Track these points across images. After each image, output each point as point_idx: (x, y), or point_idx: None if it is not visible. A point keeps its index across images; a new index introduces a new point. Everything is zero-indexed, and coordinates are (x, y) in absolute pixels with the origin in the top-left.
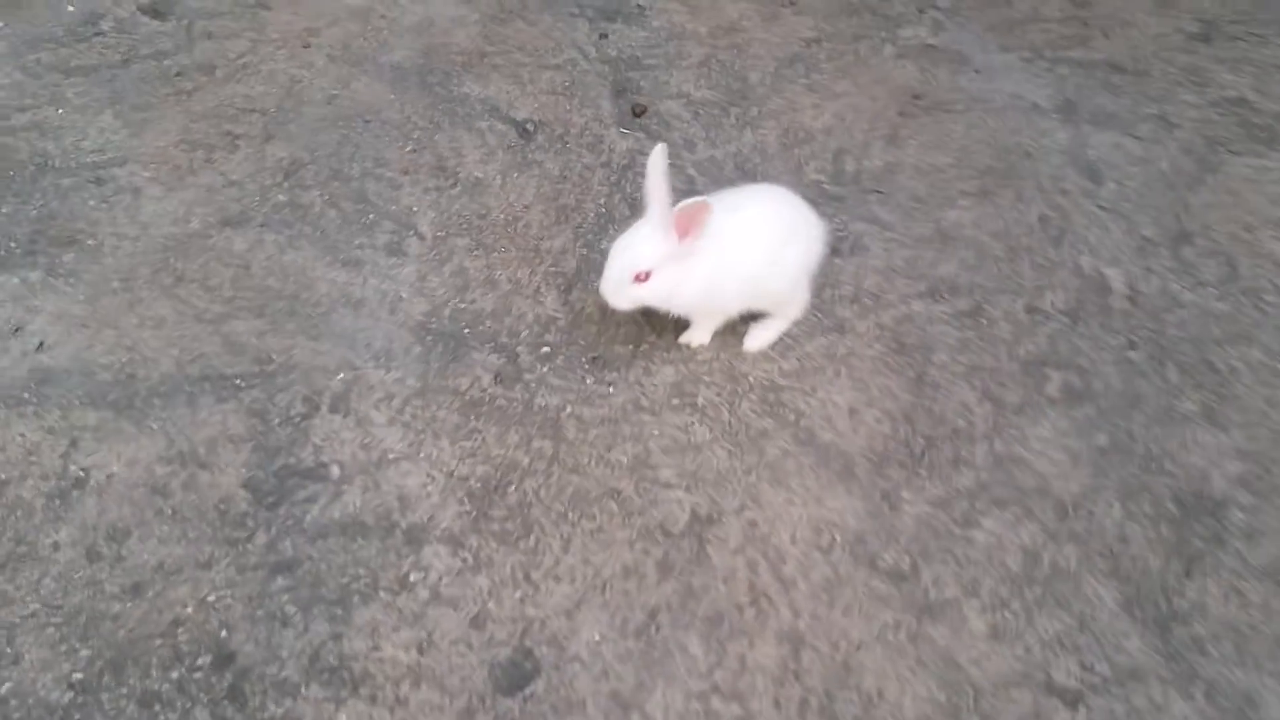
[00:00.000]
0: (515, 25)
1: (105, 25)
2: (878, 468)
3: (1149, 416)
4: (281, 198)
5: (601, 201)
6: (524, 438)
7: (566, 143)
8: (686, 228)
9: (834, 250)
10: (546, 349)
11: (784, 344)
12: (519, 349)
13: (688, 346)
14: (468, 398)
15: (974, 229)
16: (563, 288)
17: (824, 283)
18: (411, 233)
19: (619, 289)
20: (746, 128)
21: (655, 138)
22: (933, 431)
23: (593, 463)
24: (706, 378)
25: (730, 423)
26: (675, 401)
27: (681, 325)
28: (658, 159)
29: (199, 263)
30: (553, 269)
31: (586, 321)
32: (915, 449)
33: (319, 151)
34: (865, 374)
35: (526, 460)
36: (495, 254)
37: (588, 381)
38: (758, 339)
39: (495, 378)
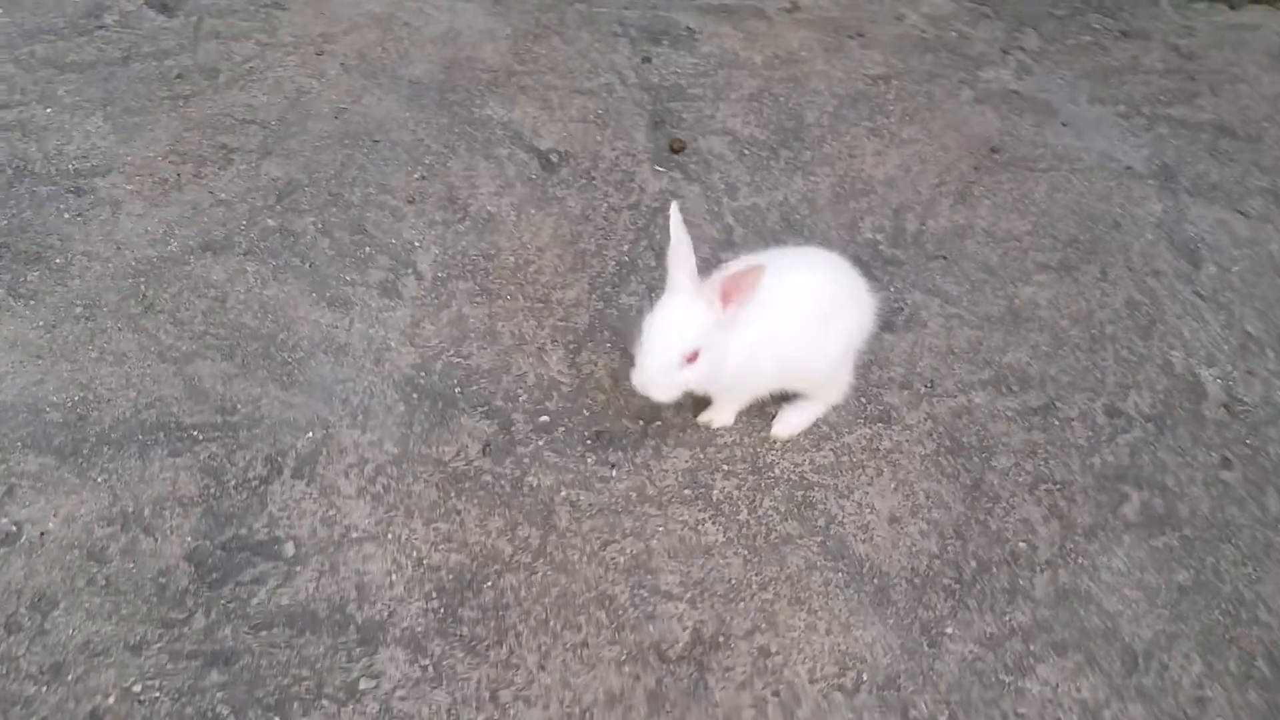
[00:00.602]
0: (550, 42)
1: (109, 19)
2: (919, 593)
3: (1241, 552)
4: (271, 222)
5: (625, 249)
6: (509, 523)
7: (593, 178)
8: (733, 294)
9: (885, 324)
10: (545, 418)
11: (818, 432)
12: (514, 416)
13: (707, 427)
14: (450, 470)
15: (1050, 310)
16: (571, 346)
17: (870, 361)
18: (409, 271)
19: (667, 377)
20: (797, 173)
21: (693, 179)
22: (987, 553)
23: (585, 560)
24: (726, 466)
25: (749, 523)
26: (687, 493)
27: (701, 402)
28: (677, 219)
29: (171, 291)
30: (562, 323)
31: (594, 389)
32: (965, 573)
33: (318, 173)
34: (912, 475)
35: (509, 551)
36: (500, 302)
37: (588, 461)
38: (789, 424)
39: (484, 448)
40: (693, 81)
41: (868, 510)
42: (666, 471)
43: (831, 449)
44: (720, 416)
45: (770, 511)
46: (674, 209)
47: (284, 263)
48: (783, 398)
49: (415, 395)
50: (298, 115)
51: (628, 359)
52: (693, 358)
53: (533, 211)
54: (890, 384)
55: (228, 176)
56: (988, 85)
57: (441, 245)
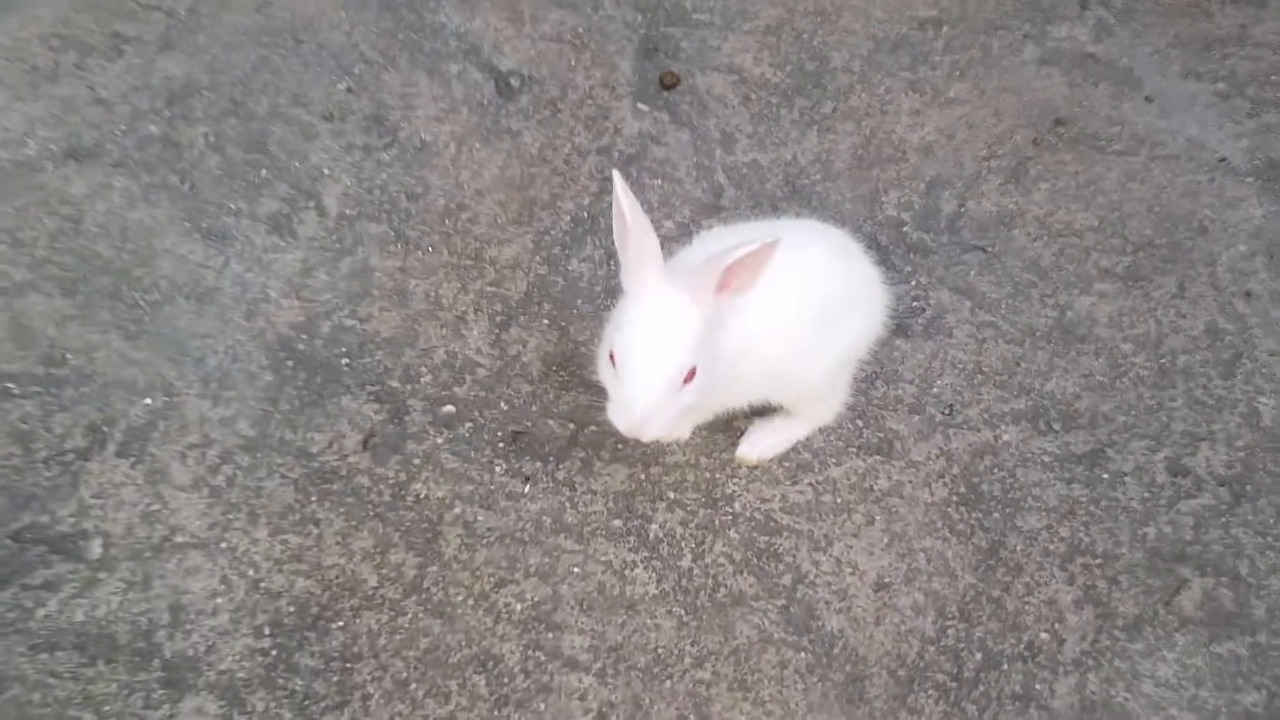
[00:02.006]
0: None
1: None
2: (903, 689)
3: None
4: (154, 130)
5: (586, 203)
6: (379, 544)
7: (559, 110)
8: (734, 281)
9: (899, 326)
10: (450, 408)
11: (797, 459)
12: (411, 402)
13: (655, 440)
14: (317, 465)
15: (1111, 329)
16: (498, 319)
17: (874, 373)
18: (311, 204)
19: (663, 410)
20: (812, 128)
21: (683, 123)
22: (997, 643)
23: (470, 604)
24: (672, 493)
25: (691, 573)
26: (617, 524)
27: None
28: (624, 192)
29: (17, 204)
30: (491, 288)
31: (518, 376)
32: (966, 667)
33: (223, 75)
34: (912, 529)
35: (373, 581)
36: (418, 254)
37: (496, 470)
38: (759, 445)
39: (365, 441)
40: (699, 4)
41: (848, 570)
42: (595, 494)
43: (811, 483)
44: (674, 428)
45: (721, 559)
46: (616, 179)
47: (159, 180)
48: (755, 411)
49: (290, 363)
50: (213, 4)
51: (592, 393)
52: (690, 375)
53: (477, 145)
54: (897, 406)
55: (114, 71)
56: (1058, 44)
57: (356, 176)
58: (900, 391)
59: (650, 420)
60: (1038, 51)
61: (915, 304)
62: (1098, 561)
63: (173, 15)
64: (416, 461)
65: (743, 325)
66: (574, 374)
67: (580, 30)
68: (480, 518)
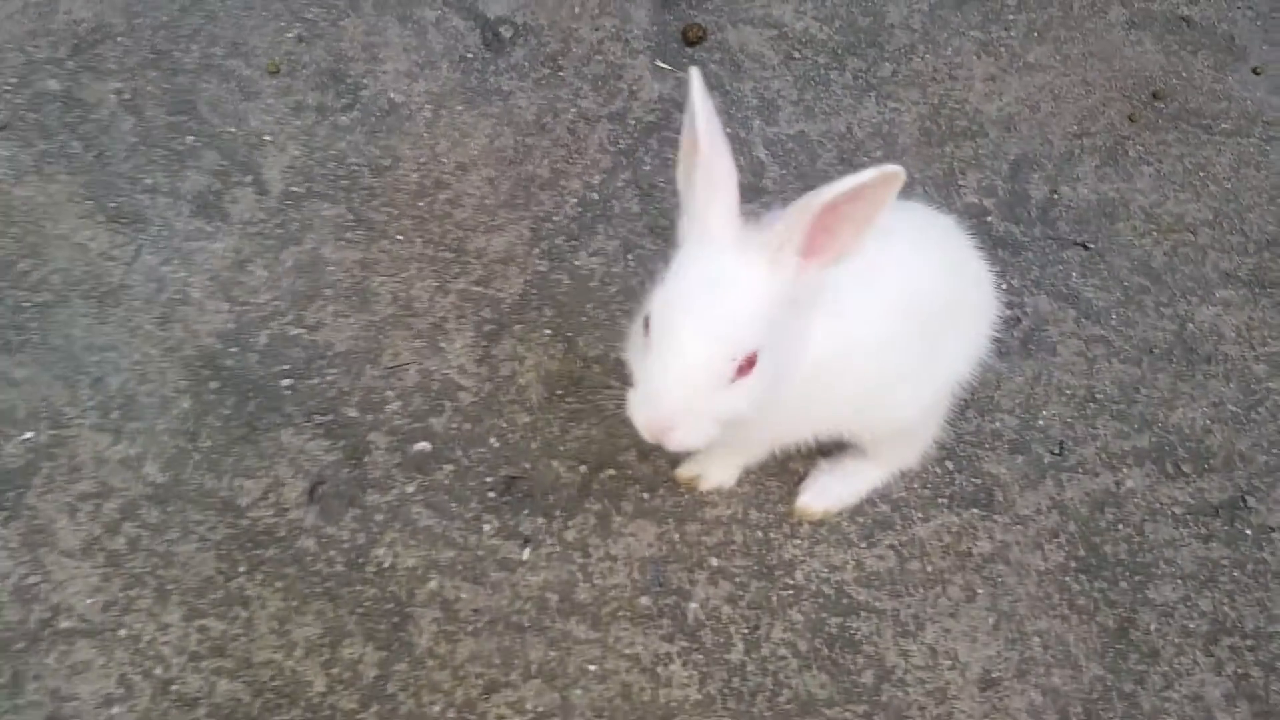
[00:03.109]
0: None
1: None
2: None
3: None
4: (54, 85)
5: (596, 181)
6: (330, 632)
7: (560, 68)
8: (829, 238)
9: (996, 347)
10: (424, 446)
11: (873, 512)
12: (373, 437)
13: (691, 488)
14: (246, 523)
15: (1240, 345)
16: (487, 328)
17: (965, 402)
18: (248, 179)
19: (705, 404)
20: (869, 94)
21: (713, 85)
22: None
23: (451, 716)
24: (716, 559)
25: (744, 668)
26: (645, 603)
27: None
28: (701, 94)
29: None
30: (478, 288)
31: (512, 404)
32: None
33: (143, 18)
34: (1023, 605)
35: (320, 685)
36: (383, 243)
37: (485, 529)
38: (826, 493)
39: (312, 490)
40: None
41: (946, 663)
42: (615, 561)
43: (893, 546)
44: (715, 471)
45: (782, 650)
46: (695, 78)
47: (57, 147)
48: (818, 450)
49: (214, 385)
50: None
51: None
52: (746, 366)
53: (460, 108)
54: (995, 443)
55: (7, 11)
56: (1148, 5)
57: (306, 143)
58: (998, 424)
59: (682, 418)
60: (1124, 13)
61: (1009, 312)
62: (1248, 642)
63: None
64: (379, 518)
65: (833, 324)
66: (585, 399)
67: None
68: (464, 595)
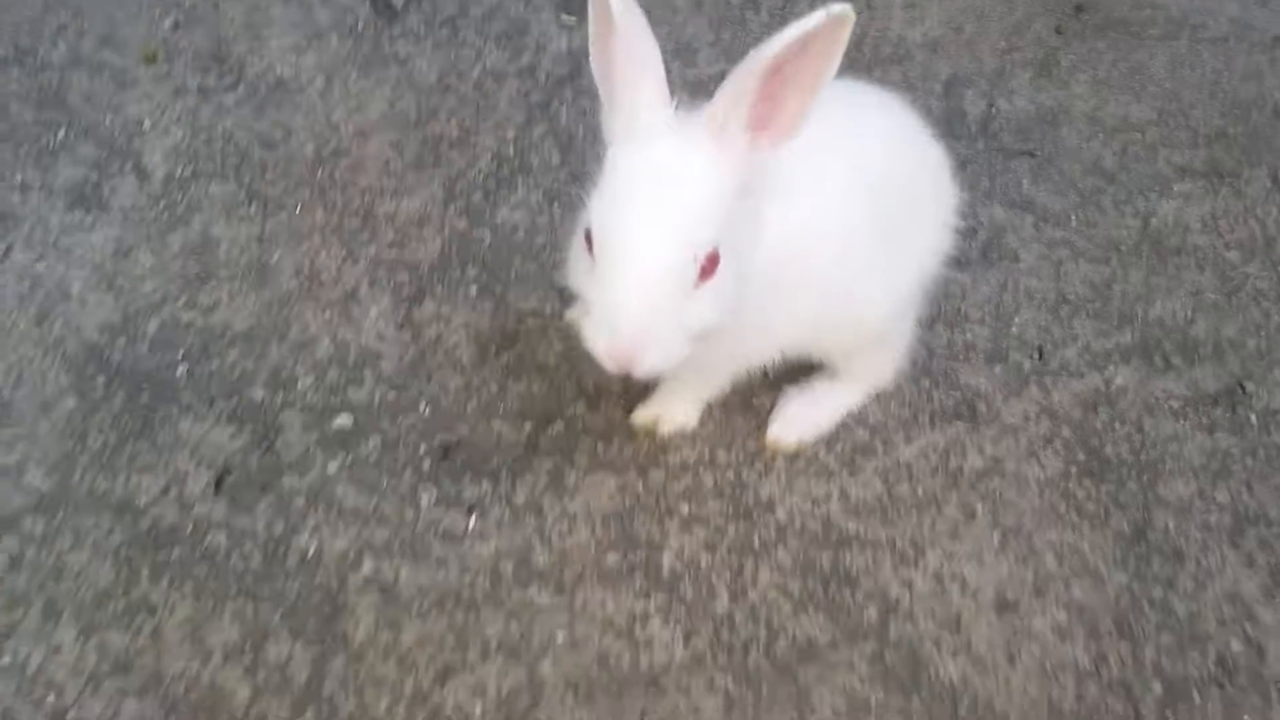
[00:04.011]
0: None
1: None
2: None
3: None
4: None
5: (510, 135)
6: (251, 633)
7: (459, 30)
8: (780, 108)
9: (956, 259)
10: (346, 419)
11: (850, 439)
12: (286, 416)
13: (649, 433)
14: (147, 524)
15: (1208, 235)
16: (406, 292)
17: (933, 315)
18: (128, 166)
19: (672, 315)
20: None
21: None
22: (1177, 663)
23: (402, 712)
24: (687, 505)
25: (732, 618)
26: (613, 560)
27: (634, 390)
28: None
29: None
30: (391, 252)
31: (444, 366)
32: (1145, 705)
33: (2, 17)
34: (1028, 518)
35: (245, 693)
36: (280, 216)
37: (423, 501)
38: (796, 422)
39: (219, 480)
40: None
41: (955, 588)
42: (574, 519)
43: (877, 471)
44: (675, 411)
45: (773, 593)
46: None
47: None
48: (784, 378)
49: (101, 380)
50: None
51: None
52: (709, 266)
53: (354, 77)
54: (970, 354)
55: None
56: None
57: (190, 125)
58: (970, 336)
59: (650, 336)
60: None
61: (965, 224)
62: (1275, 530)
63: None
64: (299, 503)
65: (786, 215)
66: (523, 354)
67: None
68: (404, 575)
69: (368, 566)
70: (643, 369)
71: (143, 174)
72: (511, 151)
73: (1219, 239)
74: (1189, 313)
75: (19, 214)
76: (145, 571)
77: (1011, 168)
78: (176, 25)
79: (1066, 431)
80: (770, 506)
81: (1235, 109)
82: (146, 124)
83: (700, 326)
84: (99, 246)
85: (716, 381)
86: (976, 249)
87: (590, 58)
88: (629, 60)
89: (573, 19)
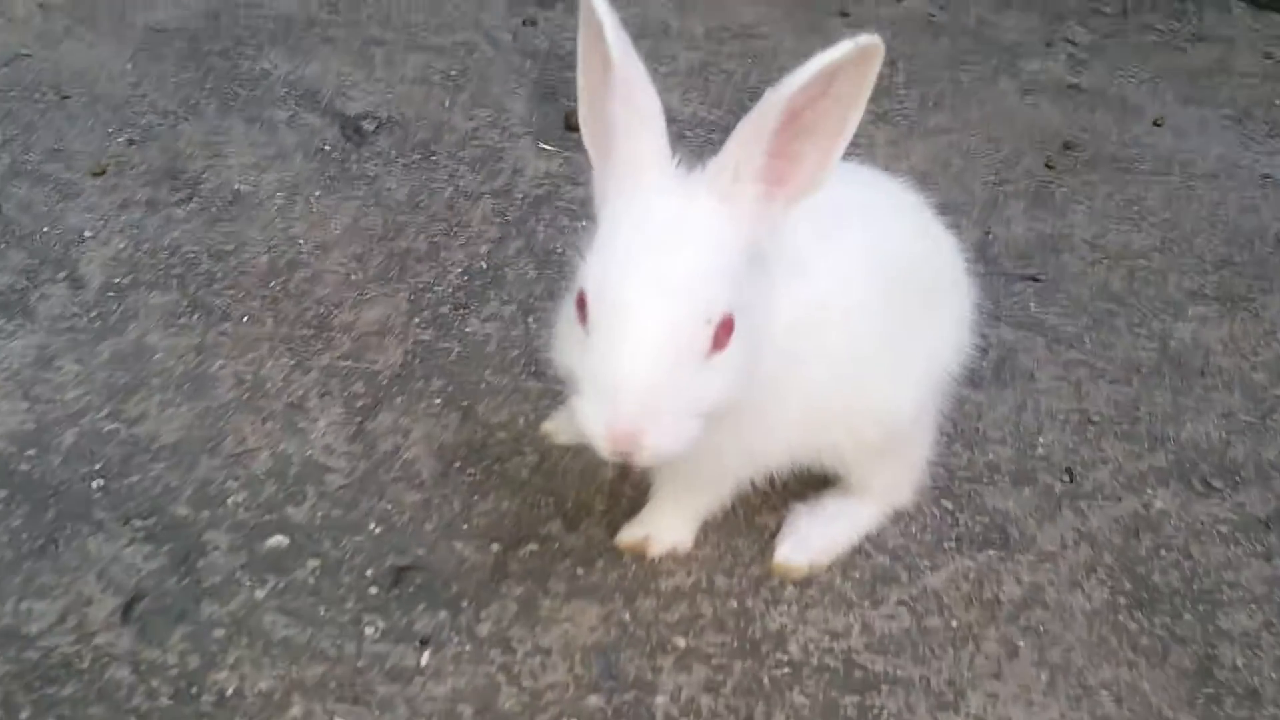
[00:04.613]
0: None
1: None
2: None
3: None
4: None
5: (484, 250)
6: None
7: (432, 153)
8: (799, 160)
9: (968, 377)
10: (281, 539)
11: (868, 565)
12: (210, 536)
13: (637, 554)
14: (35, 655)
15: (1232, 356)
16: (360, 403)
17: (951, 434)
18: (61, 276)
19: (682, 390)
20: None
21: None
22: None
23: None
24: (682, 638)
25: None
26: (595, 702)
27: (619, 508)
28: (604, 9)
29: None
30: (345, 363)
31: (398, 482)
32: None
33: None
34: (1077, 654)
35: None
36: (224, 326)
37: (368, 633)
38: (807, 542)
39: (127, 607)
40: None
41: None
42: (549, 655)
43: (903, 601)
44: (667, 529)
45: None
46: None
47: None
48: (791, 495)
49: (3, 492)
50: None
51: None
52: (723, 334)
53: (318, 194)
54: (995, 476)
55: None
56: (1035, 76)
57: (133, 236)
58: (992, 455)
59: (654, 413)
60: (1014, 83)
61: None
62: None
63: None
64: (219, 634)
65: (798, 288)
66: (490, 470)
67: (453, 72)
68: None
69: (296, 709)
70: (647, 454)
71: (76, 283)
72: (485, 266)
73: (1243, 360)
74: (1224, 435)
75: None
76: (25, 712)
77: (1015, 291)
78: (131, 142)
79: (1109, 558)
80: (781, 640)
81: (1238, 238)
82: (87, 234)
83: (713, 403)
84: (18, 354)
85: (716, 491)
86: (989, 368)
87: (579, 114)
88: (628, 111)
89: (551, 147)
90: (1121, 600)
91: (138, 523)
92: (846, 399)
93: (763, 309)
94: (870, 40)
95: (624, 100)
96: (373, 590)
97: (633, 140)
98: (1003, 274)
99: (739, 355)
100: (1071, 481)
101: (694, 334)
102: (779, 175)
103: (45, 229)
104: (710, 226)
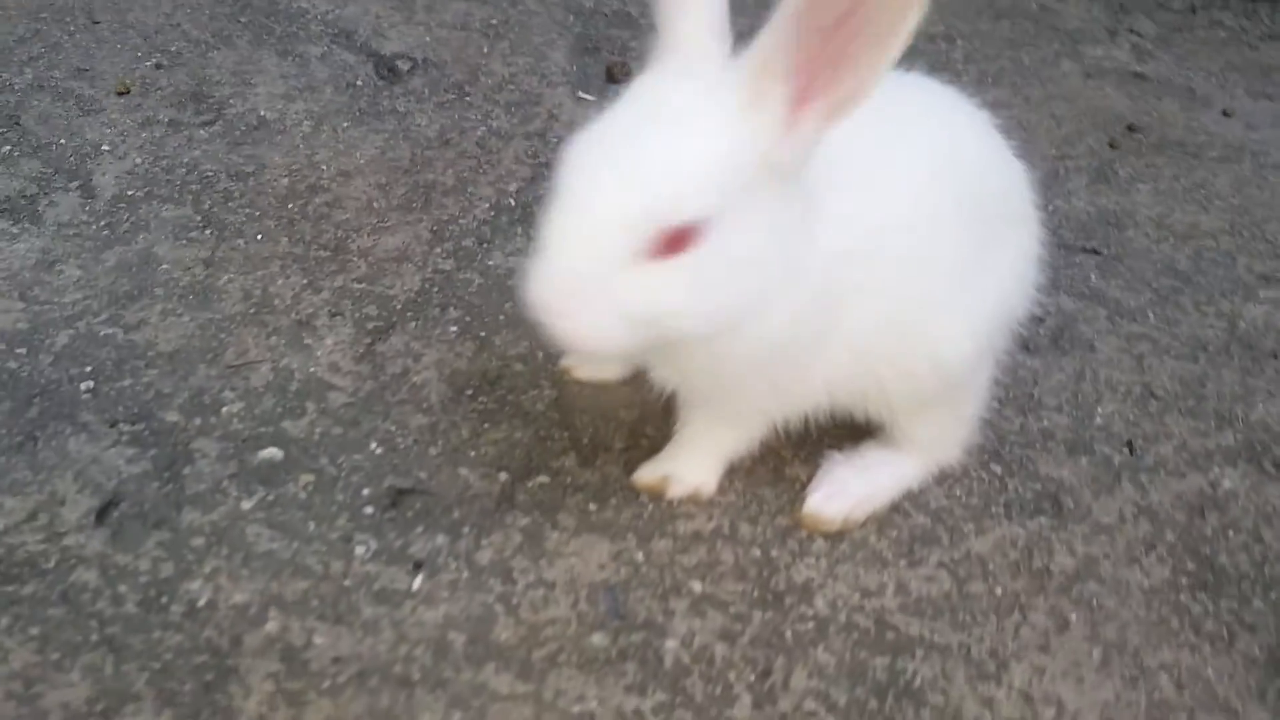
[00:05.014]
0: None
1: None
2: None
3: None
4: None
5: (513, 188)
6: (104, 697)
7: (466, 94)
8: (832, 67)
9: (1023, 343)
10: (274, 451)
11: (907, 524)
12: (200, 444)
13: (655, 494)
14: (2, 550)
15: None
16: (371, 325)
17: (1005, 397)
18: (74, 185)
19: (608, 283)
20: None
21: None
22: None
23: None
24: (699, 582)
25: None
26: (599, 641)
27: (640, 441)
28: None
29: None
30: (360, 285)
31: (404, 404)
32: None
33: None
34: (1133, 632)
35: None
36: (237, 242)
37: (357, 552)
38: (841, 494)
39: (102, 509)
40: (646, 11)
41: (1050, 710)
42: (552, 587)
43: (943, 563)
44: (689, 469)
45: (811, 701)
46: None
47: None
48: (818, 440)
49: None
50: None
51: (535, 425)
52: (678, 239)
53: (345, 125)
54: (1050, 443)
55: None
56: (1098, 61)
57: (151, 153)
58: (1047, 423)
59: (575, 298)
60: (1077, 66)
61: (1034, 310)
62: None
63: None
64: (197, 542)
65: (850, 208)
66: (504, 400)
67: (494, 21)
68: (318, 639)
69: (272, 625)
70: (567, 339)
71: (88, 192)
72: (513, 203)
73: None
74: None
75: None
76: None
77: (1077, 262)
78: (158, 66)
79: (1170, 536)
80: (807, 594)
81: None
82: (104, 147)
83: (649, 312)
84: (20, 255)
85: (744, 431)
86: (1046, 335)
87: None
88: None
89: (591, 96)
90: (1183, 580)
91: (124, 426)
92: (901, 338)
93: (783, 231)
94: None
95: None
96: (368, 510)
97: (680, 11)
98: (1063, 245)
99: (702, 270)
100: (1132, 454)
101: (635, 229)
102: (818, 80)
103: (62, 140)
104: (708, 121)
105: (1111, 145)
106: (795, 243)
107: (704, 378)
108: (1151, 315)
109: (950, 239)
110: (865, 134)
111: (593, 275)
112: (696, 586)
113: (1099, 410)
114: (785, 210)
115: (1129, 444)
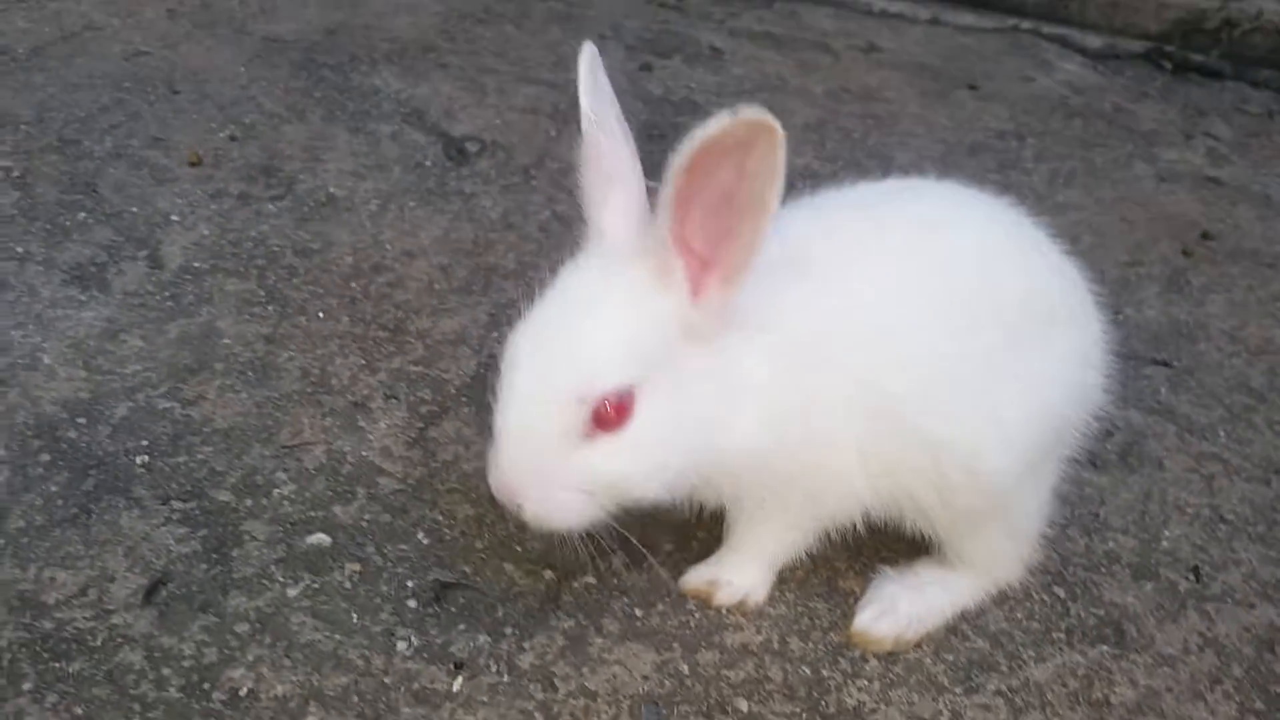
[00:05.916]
0: (499, 28)
1: None
2: None
3: None
4: None
5: None
6: None
7: (532, 178)
8: (712, 246)
9: (1090, 458)
10: (323, 538)
11: (964, 648)
12: (250, 526)
13: (703, 600)
14: (48, 627)
15: None
16: (425, 409)
17: (1068, 518)
18: (142, 254)
19: (555, 467)
20: None
21: None
22: None
23: None
24: (745, 701)
25: None
26: None
27: (689, 542)
28: (591, 69)
29: None
30: (417, 369)
31: (453, 493)
32: None
33: (55, 112)
34: None
35: None
36: (299, 319)
37: (399, 648)
38: (892, 613)
39: (151, 589)
40: (713, 100)
41: None
42: (595, 697)
43: (1000, 691)
44: (739, 577)
45: None
46: (586, 51)
47: None
48: (873, 552)
49: (45, 457)
50: (66, 50)
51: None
52: (613, 414)
53: (412, 204)
54: (1114, 567)
55: None
56: (1172, 165)
57: (220, 225)
58: (1112, 545)
59: (528, 485)
60: (1150, 169)
61: (1099, 422)
62: None
63: (8, 54)
64: (242, 629)
65: (816, 297)
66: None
67: (561, 106)
68: None
69: (312, 719)
70: (534, 521)
71: (156, 262)
72: None
73: None
74: None
75: (10, 282)
76: (28, 684)
77: (1147, 374)
78: (232, 138)
79: (1237, 670)
80: (856, 715)
81: None
82: (174, 217)
83: (597, 482)
84: (86, 324)
85: (793, 537)
86: (1114, 451)
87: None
88: (596, 176)
89: (656, 184)
90: (1250, 719)
91: (177, 504)
92: (922, 447)
93: (715, 380)
94: (754, 113)
95: (594, 164)
96: (411, 603)
97: (601, 203)
98: (1133, 357)
99: (640, 435)
100: (1198, 581)
101: (566, 413)
102: (715, 251)
103: (134, 209)
104: (618, 300)
105: (1185, 253)
106: (735, 375)
107: (728, 493)
108: (1223, 433)
109: (942, 340)
110: (831, 238)
111: (542, 457)
112: (744, 705)
113: (1165, 533)
114: (716, 356)
115: (1195, 570)
